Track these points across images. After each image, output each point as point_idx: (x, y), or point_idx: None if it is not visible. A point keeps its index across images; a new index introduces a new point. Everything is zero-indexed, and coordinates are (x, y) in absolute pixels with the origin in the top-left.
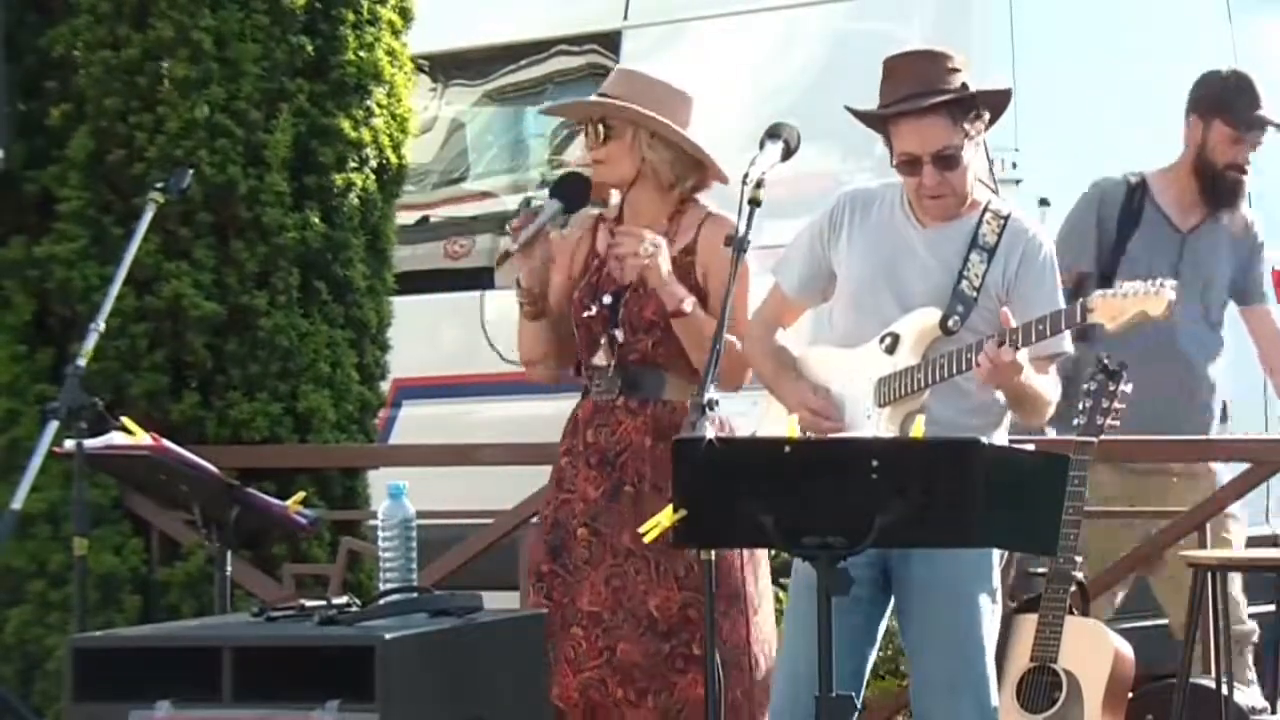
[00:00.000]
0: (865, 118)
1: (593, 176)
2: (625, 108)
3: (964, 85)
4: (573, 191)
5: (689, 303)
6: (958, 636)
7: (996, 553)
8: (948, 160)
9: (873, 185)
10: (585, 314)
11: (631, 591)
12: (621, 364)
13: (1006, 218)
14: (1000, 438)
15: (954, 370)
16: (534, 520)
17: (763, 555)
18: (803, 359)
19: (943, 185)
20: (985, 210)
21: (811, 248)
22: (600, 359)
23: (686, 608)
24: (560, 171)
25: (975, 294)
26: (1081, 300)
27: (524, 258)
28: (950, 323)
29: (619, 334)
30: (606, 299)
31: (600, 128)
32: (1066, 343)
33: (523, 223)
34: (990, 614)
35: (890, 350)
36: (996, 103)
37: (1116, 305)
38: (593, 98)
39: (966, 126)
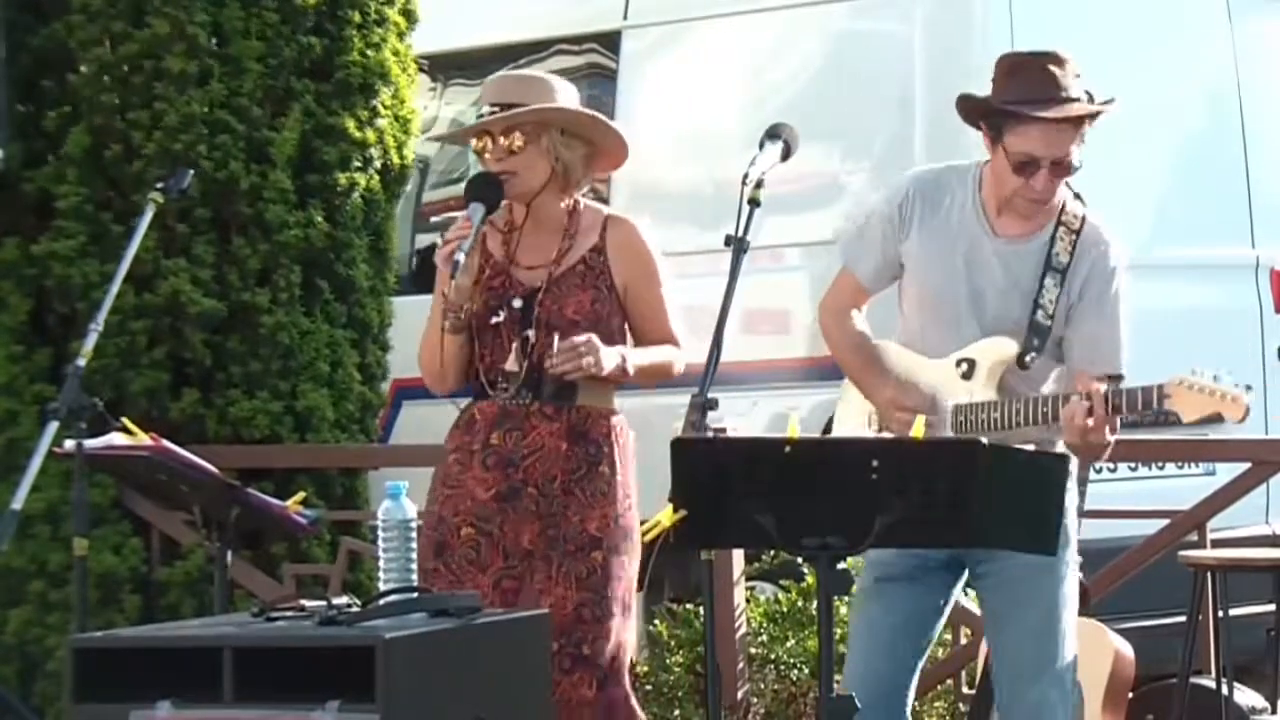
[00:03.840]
0: (997, 111)
1: (507, 188)
2: (561, 109)
3: (1090, 96)
4: (489, 192)
5: (630, 363)
6: (1042, 613)
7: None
8: (1066, 169)
9: (936, 170)
10: (493, 319)
11: (526, 592)
12: (534, 367)
13: (1079, 231)
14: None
15: (1029, 420)
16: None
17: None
18: (883, 351)
19: (1050, 192)
20: (1059, 223)
21: (884, 239)
22: (512, 364)
23: (581, 607)
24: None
25: (1050, 322)
26: (1160, 386)
27: (463, 270)
28: (1027, 359)
29: (531, 335)
30: (516, 303)
31: (516, 137)
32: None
33: (460, 231)
34: (1072, 585)
35: (966, 376)
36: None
37: (1197, 401)
38: (505, 113)
39: (1083, 137)
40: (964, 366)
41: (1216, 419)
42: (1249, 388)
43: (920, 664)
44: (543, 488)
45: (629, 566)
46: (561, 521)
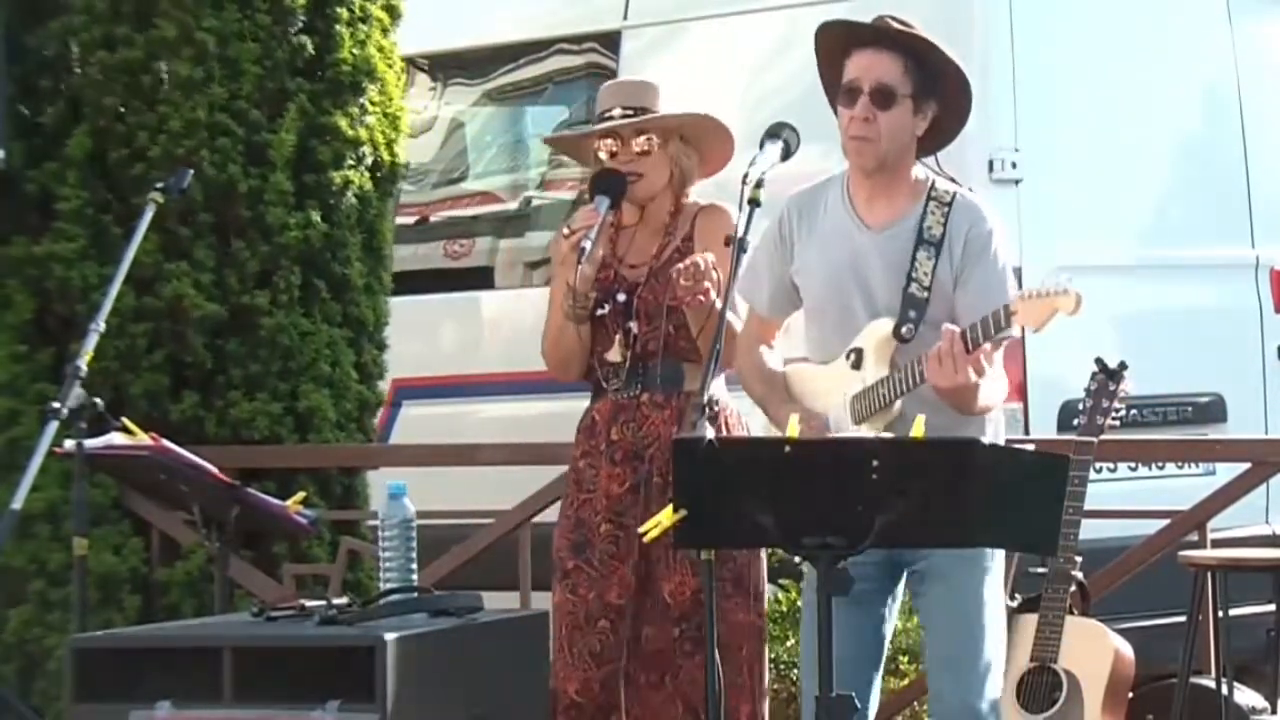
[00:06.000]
0: (835, 34)
1: (631, 190)
2: (705, 117)
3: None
4: (614, 187)
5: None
6: (965, 610)
7: None
8: (885, 98)
9: (813, 185)
10: (599, 311)
11: (655, 577)
12: (638, 358)
13: (950, 203)
14: (995, 434)
15: (913, 382)
16: (535, 521)
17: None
18: (787, 376)
19: (870, 126)
20: (929, 200)
21: (770, 265)
22: (615, 355)
23: (699, 593)
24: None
25: (926, 294)
26: (1006, 304)
27: (587, 260)
28: (904, 330)
29: (634, 326)
30: (621, 296)
31: (650, 139)
32: (1014, 328)
33: (586, 221)
34: (997, 579)
35: (856, 365)
36: (954, 87)
37: (1037, 308)
38: (640, 118)
39: (914, 88)
40: (853, 357)
41: (1054, 316)
42: (1070, 278)
43: (877, 676)
44: (666, 476)
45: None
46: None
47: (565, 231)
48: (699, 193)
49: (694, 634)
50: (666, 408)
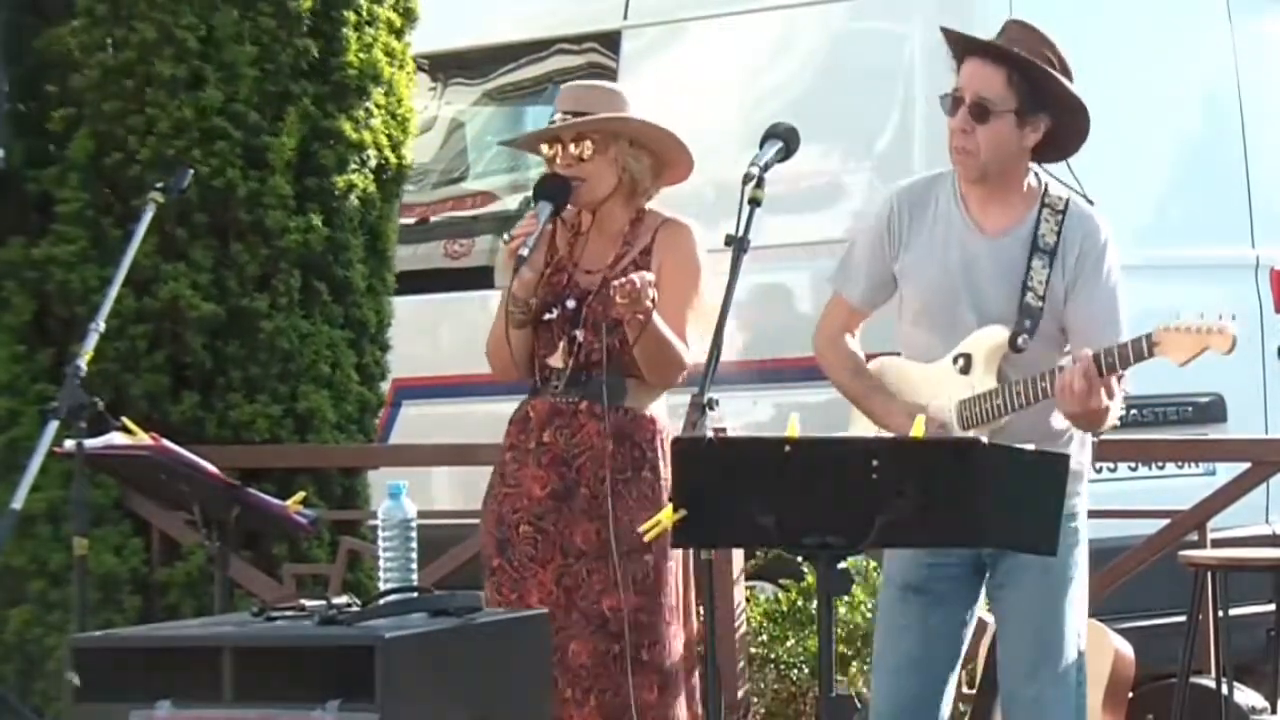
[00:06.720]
0: (953, 41)
1: (575, 195)
2: (628, 120)
3: (1048, 61)
4: (557, 191)
5: (654, 316)
6: (1044, 612)
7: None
8: (981, 111)
9: (920, 180)
10: (546, 316)
11: (585, 591)
12: (581, 366)
13: (1064, 211)
14: (1081, 444)
15: (1031, 398)
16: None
17: (690, 562)
18: (880, 372)
19: (969, 138)
20: (1043, 205)
21: (873, 258)
22: (557, 360)
23: (638, 612)
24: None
25: (1041, 304)
26: (1148, 335)
27: (526, 265)
28: (1019, 341)
29: (579, 335)
30: (571, 303)
31: (585, 145)
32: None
33: (527, 228)
34: (1080, 587)
35: (965, 370)
36: (1067, 110)
37: (1184, 341)
38: (575, 120)
39: (1019, 102)
40: (960, 362)
41: (1203, 353)
42: (1234, 317)
43: (953, 678)
44: (594, 488)
45: (677, 572)
46: (613, 522)
47: (506, 237)
48: (695, 195)
49: (634, 654)
50: (603, 419)
